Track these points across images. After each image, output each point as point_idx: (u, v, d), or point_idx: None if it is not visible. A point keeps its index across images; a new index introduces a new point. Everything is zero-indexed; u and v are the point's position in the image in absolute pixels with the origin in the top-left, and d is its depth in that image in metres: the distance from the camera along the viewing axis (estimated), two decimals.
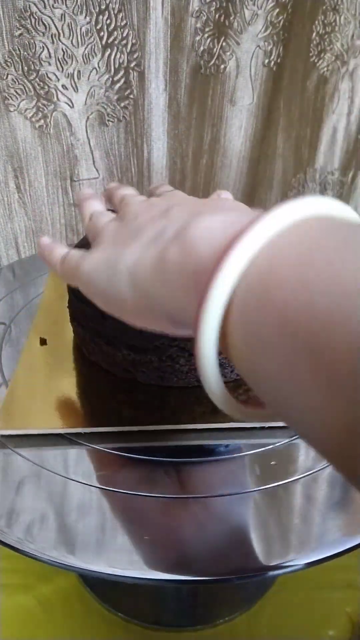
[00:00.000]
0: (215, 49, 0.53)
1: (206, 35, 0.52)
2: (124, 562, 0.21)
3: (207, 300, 0.16)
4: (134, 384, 0.30)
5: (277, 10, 0.53)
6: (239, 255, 0.15)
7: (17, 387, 0.29)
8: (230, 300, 0.16)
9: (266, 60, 0.56)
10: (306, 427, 0.14)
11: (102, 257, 0.22)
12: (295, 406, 0.14)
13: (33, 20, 0.45)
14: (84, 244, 0.33)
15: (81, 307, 0.31)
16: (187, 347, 0.27)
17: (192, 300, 0.17)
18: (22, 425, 0.27)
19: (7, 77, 0.46)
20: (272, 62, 0.56)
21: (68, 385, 0.30)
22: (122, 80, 0.51)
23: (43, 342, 0.34)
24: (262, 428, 0.27)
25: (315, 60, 0.59)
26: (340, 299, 0.13)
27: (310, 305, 0.13)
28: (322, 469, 0.25)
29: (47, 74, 0.48)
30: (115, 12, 0.47)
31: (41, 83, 0.48)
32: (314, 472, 0.25)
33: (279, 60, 0.56)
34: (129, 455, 0.26)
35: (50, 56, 0.47)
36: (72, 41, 0.47)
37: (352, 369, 0.12)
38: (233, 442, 0.26)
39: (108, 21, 0.47)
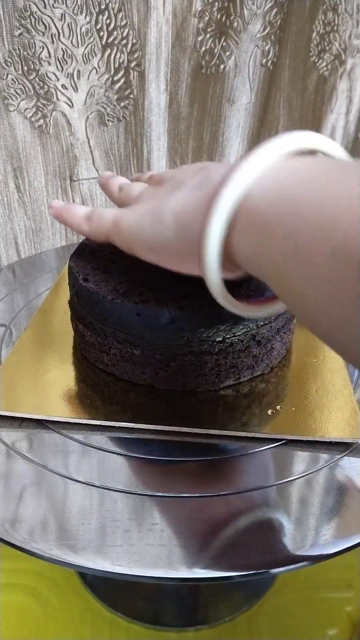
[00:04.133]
0: (216, 49, 0.53)
1: (208, 35, 0.52)
2: (125, 560, 0.21)
3: (215, 202, 0.19)
4: (133, 384, 0.30)
5: (275, 10, 0.53)
6: (242, 174, 0.18)
7: (5, 371, 0.30)
8: (236, 212, 0.19)
9: (264, 60, 0.56)
10: (320, 325, 0.17)
11: (144, 208, 0.24)
12: (300, 286, 0.17)
13: (33, 20, 0.45)
14: (87, 244, 0.33)
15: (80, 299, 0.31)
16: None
17: None
18: (5, 407, 0.27)
19: (7, 77, 0.46)
20: (270, 62, 0.56)
21: (60, 374, 0.30)
22: (122, 80, 0.51)
23: None
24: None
25: (315, 60, 0.59)
26: (342, 198, 0.16)
27: (320, 204, 0.16)
28: (321, 469, 0.25)
29: (46, 73, 0.48)
30: (115, 11, 0.47)
31: (41, 83, 0.48)
32: (313, 472, 0.25)
33: (276, 60, 0.56)
34: (126, 454, 0.26)
35: (50, 56, 0.47)
36: (72, 41, 0.47)
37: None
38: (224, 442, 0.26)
39: (108, 21, 0.47)
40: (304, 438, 0.26)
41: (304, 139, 0.19)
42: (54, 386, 0.29)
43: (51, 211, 0.30)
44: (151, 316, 0.26)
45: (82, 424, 0.27)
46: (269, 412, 0.28)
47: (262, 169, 0.18)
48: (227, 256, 0.20)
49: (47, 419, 0.27)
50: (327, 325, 0.17)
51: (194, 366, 0.28)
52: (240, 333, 0.27)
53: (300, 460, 0.26)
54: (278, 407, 0.28)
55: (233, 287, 0.23)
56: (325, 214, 0.16)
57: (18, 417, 0.27)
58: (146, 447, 0.26)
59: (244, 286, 0.27)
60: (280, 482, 0.24)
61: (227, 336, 0.27)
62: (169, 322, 0.26)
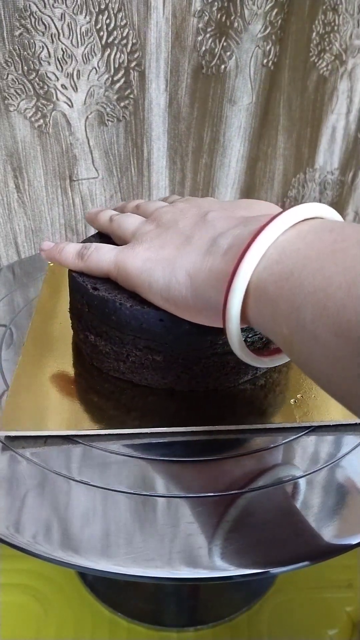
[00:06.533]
0: (216, 49, 0.53)
1: (208, 35, 0.52)
2: (126, 560, 0.21)
3: (235, 278, 0.21)
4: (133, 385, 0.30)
5: (276, 10, 0.53)
6: (255, 252, 0.20)
7: (18, 388, 0.29)
8: (249, 284, 0.21)
9: (265, 60, 0.56)
10: (321, 375, 0.19)
11: (151, 256, 0.26)
12: (305, 353, 0.19)
13: (33, 20, 0.44)
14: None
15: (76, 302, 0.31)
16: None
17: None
18: (30, 427, 0.26)
19: (6, 77, 0.46)
20: (271, 62, 0.56)
21: (68, 385, 0.30)
22: (122, 80, 0.51)
23: None
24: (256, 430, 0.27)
25: (315, 60, 0.59)
26: (337, 274, 0.18)
27: (322, 278, 0.18)
28: (321, 469, 0.25)
29: (46, 73, 0.48)
30: (115, 11, 0.47)
31: (41, 83, 0.48)
32: (313, 473, 0.25)
33: (277, 60, 0.56)
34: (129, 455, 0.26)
35: (50, 56, 0.47)
36: (71, 41, 0.47)
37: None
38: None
39: (108, 21, 0.47)
40: (333, 423, 0.27)
41: (306, 210, 0.21)
42: (70, 399, 0.28)
43: (42, 254, 0.31)
44: (175, 321, 0.26)
45: (112, 434, 0.26)
46: (292, 401, 0.28)
47: (270, 245, 0.21)
48: (244, 319, 0.23)
49: (77, 433, 0.26)
50: (333, 389, 0.19)
51: (217, 367, 0.28)
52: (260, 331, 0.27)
53: (301, 459, 0.26)
54: (299, 396, 0.29)
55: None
56: (328, 295, 0.18)
57: (43, 435, 0.26)
58: (159, 449, 0.26)
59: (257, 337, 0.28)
60: (281, 482, 0.24)
61: (250, 335, 0.27)
62: (193, 326, 0.26)
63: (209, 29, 0.51)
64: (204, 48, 0.52)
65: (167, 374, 0.28)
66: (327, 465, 0.25)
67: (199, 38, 0.51)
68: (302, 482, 0.24)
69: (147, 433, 0.27)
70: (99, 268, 0.28)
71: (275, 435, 0.27)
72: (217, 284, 0.22)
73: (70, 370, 0.31)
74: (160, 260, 0.25)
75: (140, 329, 0.27)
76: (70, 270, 0.30)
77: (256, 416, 0.28)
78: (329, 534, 0.22)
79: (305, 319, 0.18)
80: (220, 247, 0.23)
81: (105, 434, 0.26)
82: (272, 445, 0.26)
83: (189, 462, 0.25)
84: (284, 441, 0.27)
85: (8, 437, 0.26)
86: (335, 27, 0.57)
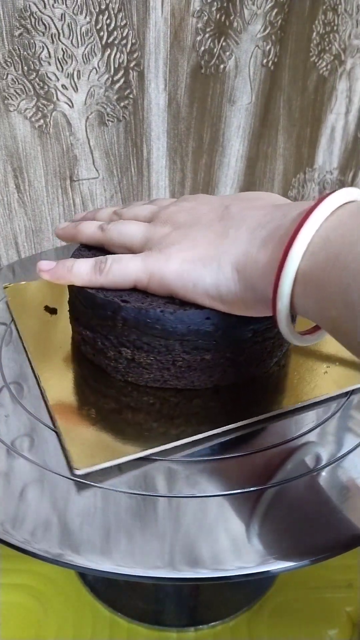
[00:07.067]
0: (215, 49, 0.53)
1: (207, 35, 0.52)
2: (126, 560, 0.21)
3: (284, 267, 0.21)
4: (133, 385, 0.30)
5: (276, 10, 0.53)
6: (302, 240, 0.21)
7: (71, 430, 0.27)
8: (296, 272, 0.21)
9: (264, 60, 0.56)
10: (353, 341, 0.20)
11: (188, 257, 0.25)
12: (354, 333, 0.20)
13: (33, 20, 0.45)
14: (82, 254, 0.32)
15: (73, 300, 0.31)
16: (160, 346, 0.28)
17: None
18: (105, 458, 0.25)
19: (7, 77, 0.46)
20: (270, 62, 0.56)
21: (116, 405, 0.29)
22: (122, 80, 0.51)
23: (53, 311, 0.34)
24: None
25: (316, 60, 0.59)
26: None
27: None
28: (321, 468, 0.25)
29: (47, 73, 0.48)
30: (115, 12, 0.47)
31: (41, 83, 0.48)
32: (312, 473, 0.25)
33: (276, 60, 0.56)
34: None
35: (50, 56, 0.47)
36: (72, 41, 0.47)
37: None
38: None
39: (108, 21, 0.47)
40: None
41: (343, 196, 0.21)
42: (122, 418, 0.28)
43: (44, 275, 0.28)
44: (221, 317, 0.26)
45: (183, 444, 0.26)
46: (323, 372, 0.30)
47: (314, 233, 0.21)
48: (292, 308, 0.23)
49: (151, 453, 0.26)
50: None
51: (258, 354, 0.29)
52: None
53: (304, 459, 0.26)
54: (326, 366, 0.30)
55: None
56: None
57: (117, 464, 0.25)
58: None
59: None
60: (282, 481, 0.24)
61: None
62: (238, 318, 0.26)
63: (208, 29, 0.51)
64: (202, 48, 0.52)
65: (214, 371, 0.28)
66: (329, 465, 0.25)
67: (198, 38, 0.51)
68: (302, 482, 0.24)
69: (203, 438, 0.26)
70: (125, 279, 0.27)
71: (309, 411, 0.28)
72: (265, 274, 0.23)
73: (105, 389, 0.30)
74: (201, 258, 0.25)
75: (188, 331, 0.26)
76: (80, 289, 0.28)
77: (301, 393, 0.29)
78: (328, 533, 0.22)
79: (354, 299, 0.19)
80: (261, 238, 0.23)
81: (173, 447, 0.26)
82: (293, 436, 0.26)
83: (208, 460, 0.25)
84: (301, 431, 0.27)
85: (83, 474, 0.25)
86: (335, 27, 0.57)
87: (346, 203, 0.22)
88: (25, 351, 0.32)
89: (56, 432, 0.26)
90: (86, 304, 0.29)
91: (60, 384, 0.30)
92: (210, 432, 0.26)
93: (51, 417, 0.27)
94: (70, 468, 0.24)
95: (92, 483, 0.24)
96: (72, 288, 0.30)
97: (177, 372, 0.28)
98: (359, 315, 0.19)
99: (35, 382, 0.30)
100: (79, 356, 0.32)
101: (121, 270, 0.27)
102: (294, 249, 0.21)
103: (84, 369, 0.31)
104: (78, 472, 0.24)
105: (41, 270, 0.28)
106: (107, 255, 0.28)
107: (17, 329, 0.34)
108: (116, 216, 0.32)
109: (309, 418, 0.28)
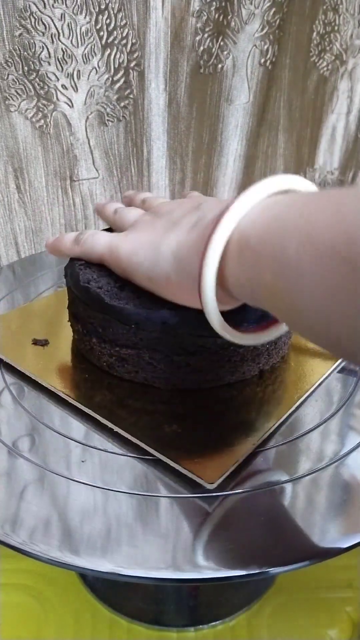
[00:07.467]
0: (214, 49, 0.53)
1: (206, 35, 0.52)
2: (126, 561, 0.21)
3: (210, 243, 0.21)
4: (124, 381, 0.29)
5: (274, 9, 0.53)
6: (230, 216, 0.21)
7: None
8: (225, 247, 0.21)
9: (262, 60, 0.56)
10: (312, 329, 0.19)
11: (142, 239, 0.26)
12: (291, 298, 0.19)
13: (33, 20, 0.45)
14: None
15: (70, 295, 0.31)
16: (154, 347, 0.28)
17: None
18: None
19: (7, 77, 0.46)
20: (268, 62, 0.56)
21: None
22: (122, 80, 0.51)
23: (44, 343, 0.32)
24: None
25: (316, 60, 0.59)
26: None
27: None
28: (323, 467, 0.25)
29: (47, 73, 0.48)
30: (115, 11, 0.47)
31: (41, 83, 0.48)
32: (313, 473, 0.25)
33: (274, 60, 0.56)
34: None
35: (50, 56, 0.47)
36: (72, 41, 0.47)
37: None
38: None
39: (108, 21, 0.47)
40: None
41: (283, 181, 0.22)
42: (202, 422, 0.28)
43: (47, 249, 0.32)
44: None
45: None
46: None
47: (249, 208, 0.21)
48: (224, 288, 0.23)
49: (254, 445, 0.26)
50: (327, 331, 0.18)
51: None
52: None
53: (305, 458, 0.26)
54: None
55: (236, 320, 0.25)
56: (311, 224, 0.18)
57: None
58: None
59: (245, 317, 0.27)
60: (282, 481, 0.24)
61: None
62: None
63: (207, 29, 0.51)
64: (202, 48, 0.52)
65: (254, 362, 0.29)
66: (331, 464, 0.25)
67: (197, 38, 0.51)
68: (302, 482, 0.24)
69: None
70: (94, 252, 0.29)
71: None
72: (193, 251, 0.23)
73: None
74: (148, 242, 0.26)
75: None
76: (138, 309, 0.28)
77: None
78: (329, 533, 0.22)
79: (290, 255, 0.18)
80: (202, 223, 0.24)
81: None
82: (275, 445, 0.26)
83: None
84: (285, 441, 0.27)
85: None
86: (336, 27, 0.57)
87: (279, 193, 0.22)
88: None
89: (154, 460, 0.25)
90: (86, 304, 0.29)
91: (119, 412, 0.28)
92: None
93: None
94: (193, 486, 0.24)
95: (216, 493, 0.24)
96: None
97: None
98: (295, 274, 0.18)
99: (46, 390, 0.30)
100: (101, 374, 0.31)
101: (93, 243, 0.29)
102: (224, 219, 0.21)
103: (119, 388, 0.30)
104: (211, 486, 0.23)
105: (46, 245, 0.32)
106: (89, 230, 0.31)
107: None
108: (142, 204, 0.34)
109: (312, 416, 0.28)
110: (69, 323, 0.33)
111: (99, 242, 0.29)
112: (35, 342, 0.32)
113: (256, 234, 0.20)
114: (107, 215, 0.34)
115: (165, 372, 0.28)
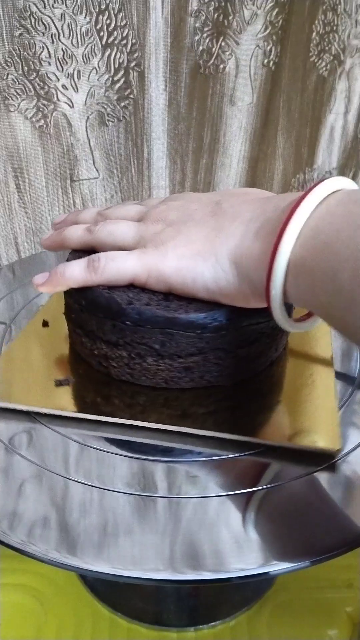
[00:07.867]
0: (214, 49, 0.53)
1: (205, 35, 0.52)
2: (125, 562, 0.21)
3: (276, 257, 0.22)
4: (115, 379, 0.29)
5: (276, 10, 0.53)
6: (291, 231, 0.22)
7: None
8: (288, 262, 0.22)
9: (265, 60, 0.56)
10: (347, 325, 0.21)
11: (186, 253, 0.26)
12: (344, 317, 0.21)
13: (33, 20, 0.45)
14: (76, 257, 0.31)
15: (66, 300, 0.30)
16: (155, 347, 0.27)
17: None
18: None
19: (7, 77, 0.46)
20: (272, 62, 0.56)
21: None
22: (122, 80, 0.51)
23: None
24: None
25: (315, 60, 0.59)
26: None
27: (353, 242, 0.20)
28: (320, 469, 0.25)
29: (47, 74, 0.48)
30: (115, 12, 0.47)
31: (41, 83, 0.48)
32: (313, 473, 0.25)
33: (277, 60, 0.56)
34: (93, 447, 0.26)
35: (50, 56, 0.47)
36: (72, 41, 0.47)
37: None
38: (199, 449, 0.26)
39: (108, 21, 0.47)
40: None
41: (330, 185, 0.22)
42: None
43: (42, 289, 0.28)
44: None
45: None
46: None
47: (304, 223, 0.22)
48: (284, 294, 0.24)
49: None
50: None
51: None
52: None
53: (304, 458, 0.26)
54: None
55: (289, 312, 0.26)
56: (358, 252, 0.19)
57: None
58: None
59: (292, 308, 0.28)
60: (280, 482, 0.24)
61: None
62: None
63: (205, 29, 0.51)
64: (201, 48, 0.52)
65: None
66: (329, 464, 0.25)
67: (196, 38, 0.51)
68: (303, 482, 0.24)
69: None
70: (122, 277, 0.27)
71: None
72: (259, 265, 0.23)
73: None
74: (198, 253, 0.25)
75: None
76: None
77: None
78: (329, 533, 0.22)
79: (343, 284, 0.20)
80: (255, 230, 0.24)
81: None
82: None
83: (197, 461, 0.25)
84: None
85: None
86: (334, 27, 0.57)
87: (334, 192, 0.22)
88: None
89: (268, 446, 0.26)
90: (96, 308, 0.28)
91: (185, 422, 0.27)
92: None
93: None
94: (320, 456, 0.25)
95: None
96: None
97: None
98: (348, 300, 0.20)
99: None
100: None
101: (118, 268, 0.27)
102: (285, 238, 0.22)
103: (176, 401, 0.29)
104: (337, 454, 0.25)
105: (37, 285, 0.28)
106: (98, 254, 0.28)
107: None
108: (101, 217, 0.31)
109: None
110: (91, 360, 0.30)
111: (124, 266, 0.27)
112: (60, 383, 0.29)
113: (311, 260, 0.21)
114: (79, 239, 0.30)
115: (229, 368, 0.28)
